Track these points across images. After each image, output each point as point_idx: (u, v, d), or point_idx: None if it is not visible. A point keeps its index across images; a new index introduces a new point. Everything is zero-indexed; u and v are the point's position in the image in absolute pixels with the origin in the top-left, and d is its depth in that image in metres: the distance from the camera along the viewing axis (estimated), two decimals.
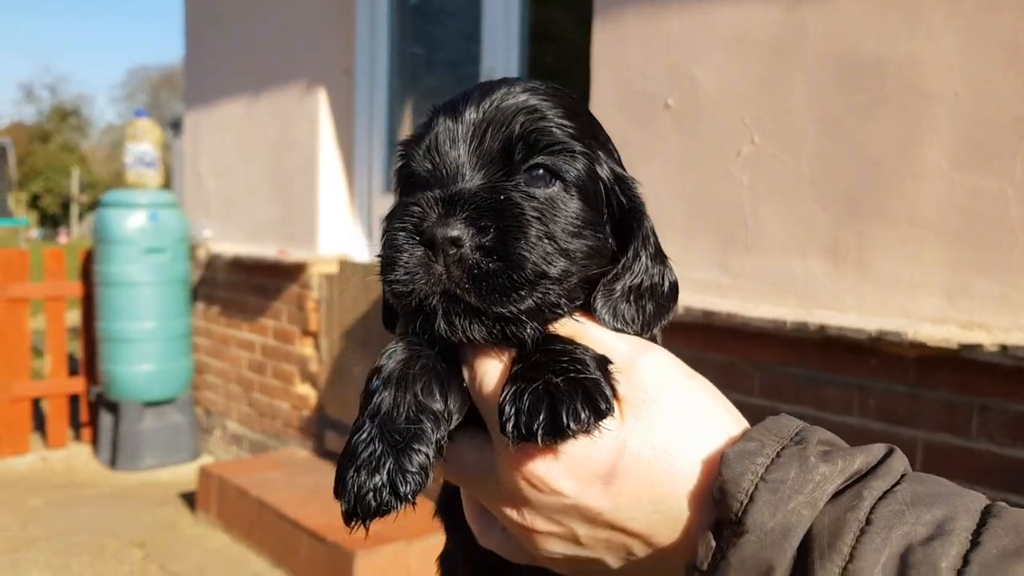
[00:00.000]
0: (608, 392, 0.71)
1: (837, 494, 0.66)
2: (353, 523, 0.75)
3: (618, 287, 0.84)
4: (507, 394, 0.72)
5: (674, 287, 0.90)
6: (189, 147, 7.51)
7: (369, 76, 5.88)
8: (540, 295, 0.75)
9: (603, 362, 0.76)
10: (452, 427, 0.79)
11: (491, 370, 0.78)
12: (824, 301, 3.13)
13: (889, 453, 0.71)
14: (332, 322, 5.78)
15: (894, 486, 0.66)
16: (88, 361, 7.37)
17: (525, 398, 0.70)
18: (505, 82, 0.83)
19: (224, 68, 6.99)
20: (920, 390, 2.89)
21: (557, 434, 0.69)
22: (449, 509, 0.98)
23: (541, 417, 0.69)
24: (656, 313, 0.87)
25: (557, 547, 0.77)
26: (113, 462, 6.82)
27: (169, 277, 6.81)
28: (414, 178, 0.82)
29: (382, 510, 0.73)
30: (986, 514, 0.64)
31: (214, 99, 7.12)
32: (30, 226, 39.78)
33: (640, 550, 0.75)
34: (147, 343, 6.73)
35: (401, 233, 0.74)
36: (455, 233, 0.71)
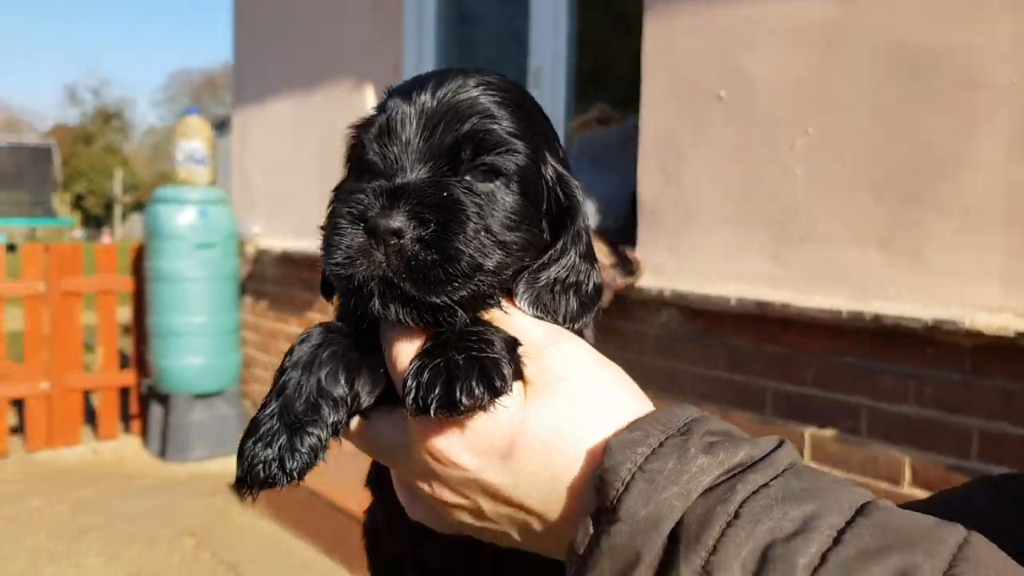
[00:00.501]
0: (506, 371, 0.74)
1: (715, 486, 0.65)
2: (243, 490, 0.80)
3: (543, 277, 0.85)
4: (411, 369, 0.76)
5: (598, 288, 0.92)
6: (237, 146, 7.64)
7: (416, 72, 5.95)
8: (474, 287, 0.78)
9: (512, 344, 0.78)
10: (365, 406, 0.84)
11: (406, 347, 0.81)
12: (879, 291, 3.13)
13: (778, 446, 0.71)
14: None
15: (772, 480, 0.66)
16: (138, 355, 7.53)
17: (425, 374, 0.73)
18: (460, 73, 0.85)
19: (273, 67, 7.11)
20: (976, 379, 2.88)
21: (451, 408, 0.71)
22: (379, 482, 1.02)
23: (436, 391, 0.72)
24: (579, 310, 0.89)
25: (467, 519, 0.80)
26: (163, 453, 6.96)
27: (219, 273, 6.93)
28: (364, 162, 0.84)
29: (268, 482, 0.78)
30: (859, 512, 0.63)
31: (262, 98, 7.23)
32: (74, 226, 40.59)
33: (538, 527, 0.76)
34: (197, 337, 6.86)
35: (345, 219, 0.77)
36: (397, 225, 0.74)
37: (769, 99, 3.47)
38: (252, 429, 0.80)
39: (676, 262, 3.72)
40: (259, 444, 0.79)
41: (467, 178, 0.79)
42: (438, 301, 0.77)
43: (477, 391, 0.71)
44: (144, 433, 7.45)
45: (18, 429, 7.35)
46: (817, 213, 3.32)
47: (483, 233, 0.77)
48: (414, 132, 0.79)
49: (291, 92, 6.84)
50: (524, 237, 0.82)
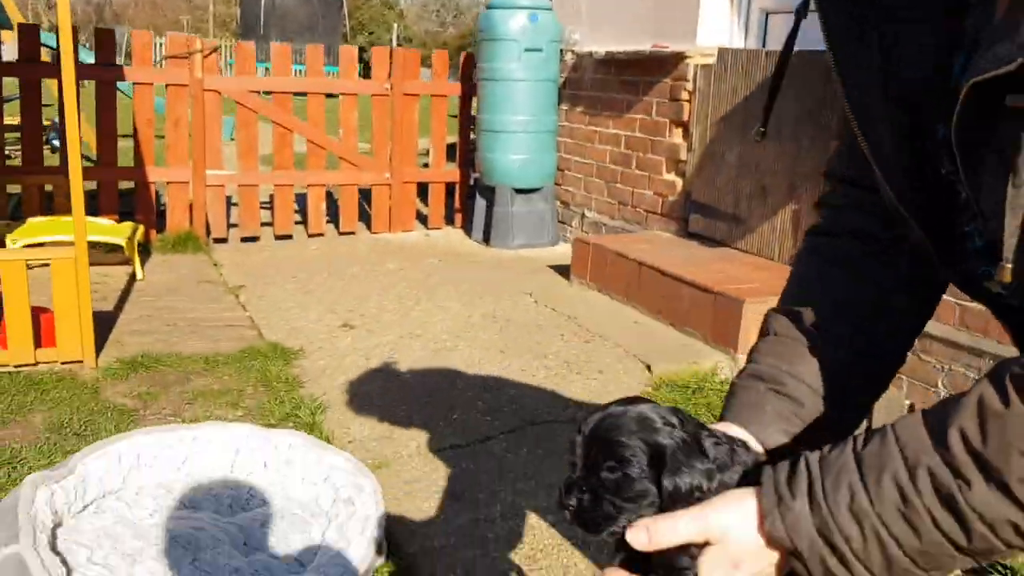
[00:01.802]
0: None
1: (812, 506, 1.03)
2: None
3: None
4: None
5: (683, 491, 1.26)
6: None
7: None
8: (607, 527, 1.25)
9: (685, 548, 1.20)
10: None
11: None
12: None
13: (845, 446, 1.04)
14: (706, 111, 6.09)
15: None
16: (462, 155, 8.31)
17: None
18: (606, 409, 1.28)
19: None
20: None
21: None
22: None
23: None
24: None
25: None
26: (486, 240, 7.74)
27: (543, 76, 7.42)
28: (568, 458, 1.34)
29: None
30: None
31: None
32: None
33: None
34: (520, 135, 7.45)
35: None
36: (567, 501, 1.25)
37: None
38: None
39: None
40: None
41: (602, 474, 1.25)
42: (591, 537, 1.28)
43: None
44: (465, 225, 8.29)
45: (360, 217, 8.39)
46: None
47: (608, 500, 1.25)
48: (579, 447, 1.28)
49: None
50: (636, 503, 1.26)
